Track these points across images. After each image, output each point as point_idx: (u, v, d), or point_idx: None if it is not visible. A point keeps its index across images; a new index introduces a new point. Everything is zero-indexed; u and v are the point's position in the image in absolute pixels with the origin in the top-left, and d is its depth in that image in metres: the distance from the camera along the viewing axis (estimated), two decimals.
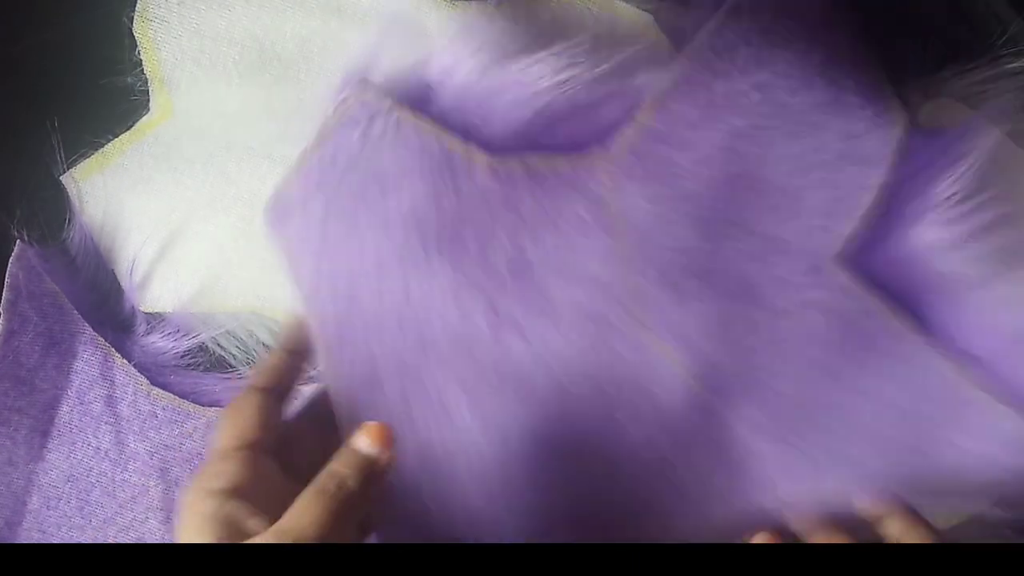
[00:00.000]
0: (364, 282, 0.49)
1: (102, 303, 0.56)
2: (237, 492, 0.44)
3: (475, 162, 0.48)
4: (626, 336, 0.50)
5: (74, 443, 0.54)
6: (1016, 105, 0.55)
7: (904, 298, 0.50)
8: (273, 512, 0.43)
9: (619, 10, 0.54)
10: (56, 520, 0.54)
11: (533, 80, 0.49)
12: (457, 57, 0.50)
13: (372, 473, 0.44)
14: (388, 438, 0.45)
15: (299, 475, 0.47)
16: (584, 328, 0.50)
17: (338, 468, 0.44)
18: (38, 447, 0.54)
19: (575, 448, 0.51)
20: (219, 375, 0.57)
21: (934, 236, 0.50)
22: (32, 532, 0.54)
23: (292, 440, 0.49)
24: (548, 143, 0.49)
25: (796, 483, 0.50)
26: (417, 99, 0.49)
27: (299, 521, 0.42)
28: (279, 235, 0.49)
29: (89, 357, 0.54)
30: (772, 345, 0.50)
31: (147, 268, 0.55)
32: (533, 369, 0.50)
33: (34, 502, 0.54)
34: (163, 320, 0.56)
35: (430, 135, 0.48)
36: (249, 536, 0.42)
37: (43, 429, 0.54)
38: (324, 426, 0.50)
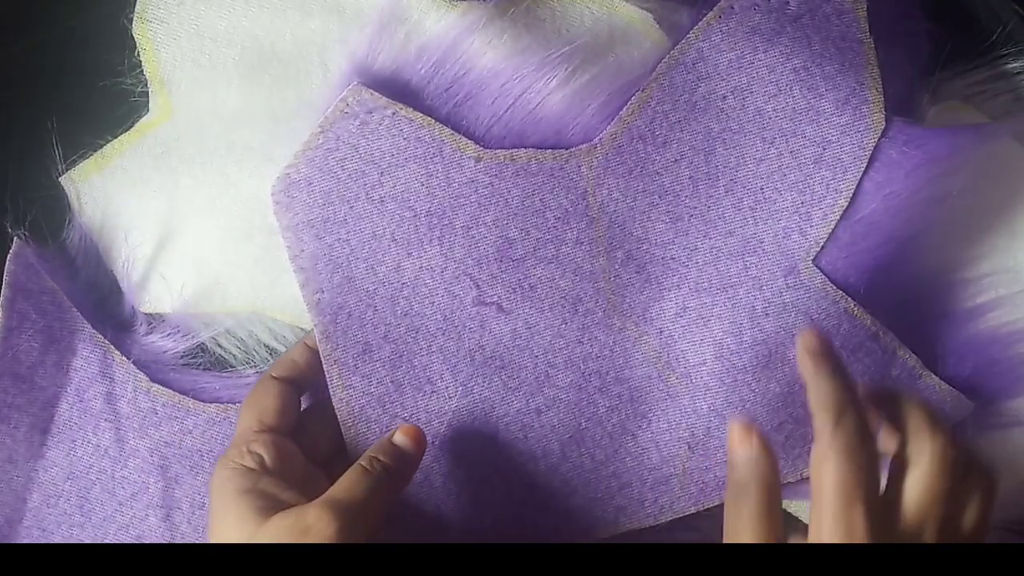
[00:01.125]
0: (360, 256, 0.52)
1: (102, 303, 0.56)
2: (268, 469, 0.47)
3: (465, 153, 0.51)
4: (601, 320, 0.53)
5: (74, 440, 0.54)
6: (1016, 105, 0.55)
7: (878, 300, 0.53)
8: (302, 490, 0.47)
9: (618, 9, 0.54)
10: (56, 518, 0.54)
11: (524, 78, 0.51)
12: (449, 52, 0.52)
13: (405, 466, 0.49)
14: (421, 440, 0.50)
15: (316, 460, 0.51)
16: (565, 313, 0.53)
17: (378, 455, 0.48)
18: (38, 445, 0.54)
19: (557, 434, 0.54)
20: (219, 373, 0.57)
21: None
22: (32, 530, 0.54)
23: (308, 428, 0.52)
24: (536, 137, 0.52)
25: None
26: (411, 92, 0.52)
27: (351, 492, 0.46)
28: (285, 213, 0.51)
29: (88, 355, 0.54)
30: (753, 346, 0.52)
31: (146, 269, 0.55)
32: (518, 354, 0.53)
33: (34, 500, 0.54)
34: (163, 320, 0.56)
35: (423, 126, 0.51)
36: (286, 507, 0.45)
37: (43, 427, 0.54)
38: (335, 418, 0.53)
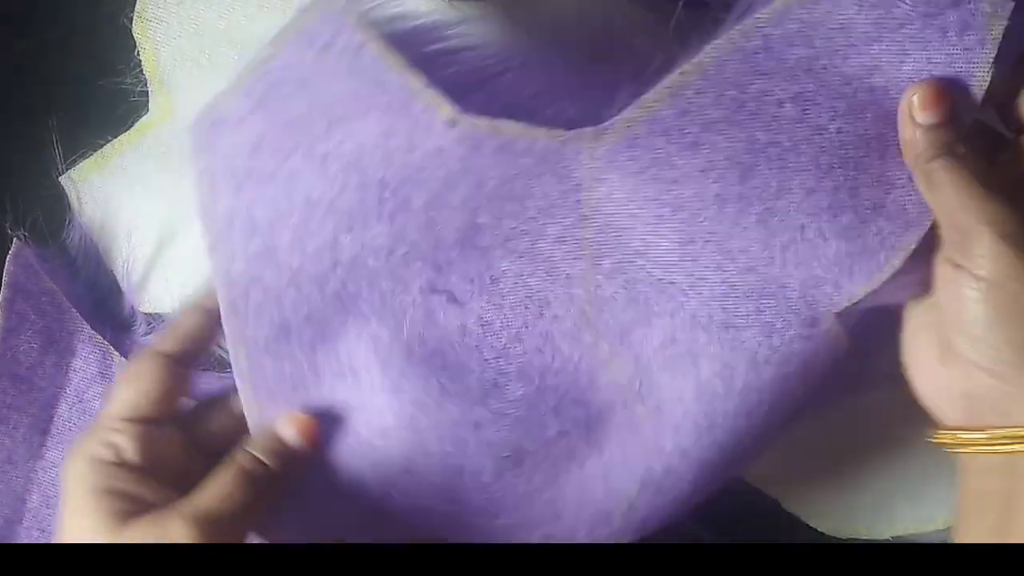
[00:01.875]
0: (287, 224, 0.44)
1: (101, 303, 0.56)
2: (127, 463, 0.43)
3: (438, 113, 0.42)
4: (570, 331, 0.45)
5: (73, 441, 0.54)
6: None
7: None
8: (174, 484, 0.43)
9: (619, 8, 0.54)
10: (56, 518, 0.54)
11: (528, 50, 0.46)
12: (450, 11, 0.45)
13: (291, 463, 0.44)
14: (314, 434, 0.44)
15: (204, 447, 0.46)
16: (528, 315, 0.45)
17: (258, 451, 0.44)
18: (37, 445, 0.54)
19: (493, 451, 0.45)
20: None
21: None
22: (32, 530, 0.54)
23: (206, 417, 0.47)
24: (531, 113, 0.42)
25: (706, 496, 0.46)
26: (390, 35, 0.43)
27: (222, 500, 0.41)
28: (202, 154, 0.44)
29: (88, 355, 0.54)
30: (744, 392, 0.43)
31: (146, 269, 0.55)
32: (465, 355, 0.45)
33: (33, 500, 0.54)
34: (163, 320, 0.56)
35: (392, 70, 0.42)
36: (148, 508, 0.41)
37: (42, 427, 0.54)
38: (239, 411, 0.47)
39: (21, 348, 0.53)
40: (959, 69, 0.39)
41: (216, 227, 0.44)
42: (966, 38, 0.39)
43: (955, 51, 0.39)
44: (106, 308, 0.56)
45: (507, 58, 0.44)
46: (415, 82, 0.41)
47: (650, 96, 0.41)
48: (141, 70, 0.55)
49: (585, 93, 0.44)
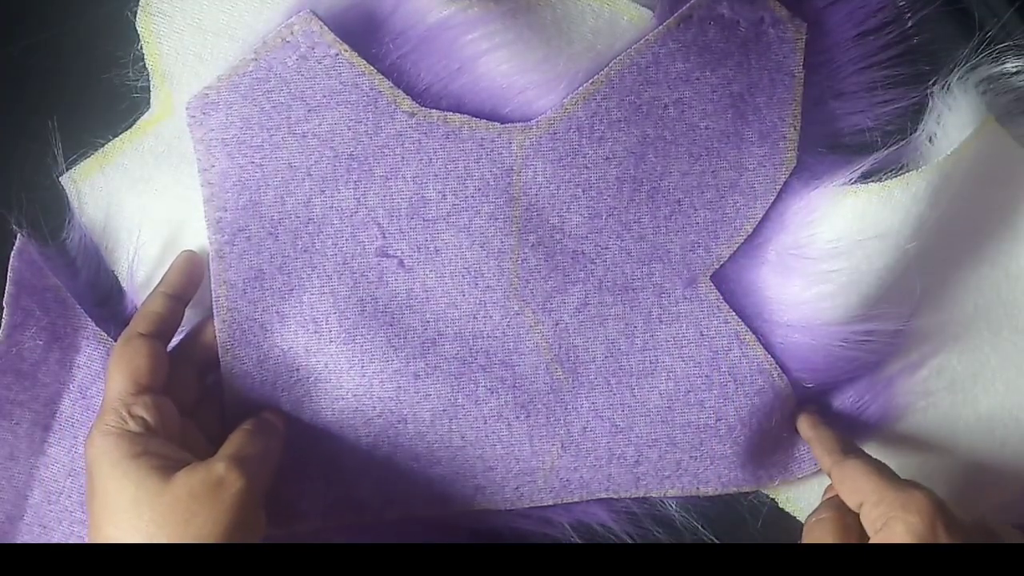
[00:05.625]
0: (271, 184, 0.52)
1: (103, 302, 0.56)
2: (154, 431, 0.47)
3: (399, 106, 0.51)
4: (500, 300, 0.54)
5: (76, 438, 0.54)
6: (1017, 106, 0.55)
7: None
8: (184, 446, 0.48)
9: (619, 6, 0.54)
10: (57, 514, 0.54)
11: (475, 45, 0.51)
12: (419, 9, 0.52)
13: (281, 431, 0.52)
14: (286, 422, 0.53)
15: (184, 411, 0.51)
16: (464, 284, 0.54)
17: (258, 416, 0.52)
18: (40, 441, 0.54)
19: (430, 403, 0.54)
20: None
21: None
22: (33, 527, 0.54)
23: (172, 378, 0.51)
24: (472, 106, 0.53)
25: (621, 467, 0.55)
26: (360, 32, 0.52)
27: (248, 448, 0.48)
28: (199, 127, 0.51)
29: (92, 352, 0.54)
30: (643, 351, 0.55)
31: (149, 268, 0.55)
32: (409, 314, 0.54)
33: (35, 496, 0.54)
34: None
35: (363, 74, 0.51)
36: (183, 465, 0.45)
37: (45, 423, 0.54)
38: (201, 365, 0.54)
39: (25, 344, 0.53)
40: (785, 69, 0.53)
41: (212, 184, 0.52)
42: (784, 48, 0.53)
43: (779, 57, 0.53)
44: (107, 307, 0.56)
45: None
46: (383, 82, 0.51)
47: (568, 100, 0.52)
48: (142, 65, 0.54)
49: (521, 91, 0.53)
